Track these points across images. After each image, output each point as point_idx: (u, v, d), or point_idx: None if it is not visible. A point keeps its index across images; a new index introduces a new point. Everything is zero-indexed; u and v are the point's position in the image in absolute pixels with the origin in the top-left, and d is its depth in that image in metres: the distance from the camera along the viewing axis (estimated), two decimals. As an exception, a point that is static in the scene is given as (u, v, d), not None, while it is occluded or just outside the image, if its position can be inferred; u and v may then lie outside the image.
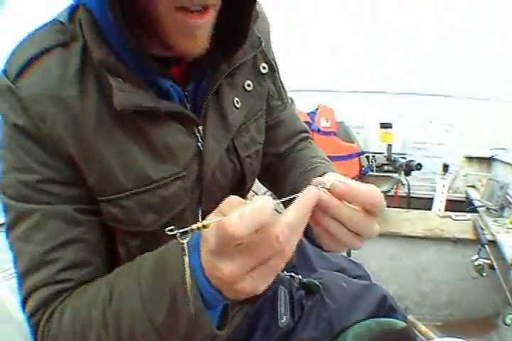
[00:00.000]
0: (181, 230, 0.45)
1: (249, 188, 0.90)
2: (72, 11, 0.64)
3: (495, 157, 3.16)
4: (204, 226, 0.45)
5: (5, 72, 0.62)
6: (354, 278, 1.07)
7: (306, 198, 0.48)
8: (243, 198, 0.84)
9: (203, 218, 0.71)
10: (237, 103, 0.78)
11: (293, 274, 0.99)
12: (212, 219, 0.46)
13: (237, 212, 0.43)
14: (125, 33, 0.58)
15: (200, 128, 0.72)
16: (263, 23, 0.84)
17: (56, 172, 0.63)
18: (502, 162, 2.99)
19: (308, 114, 3.17)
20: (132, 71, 0.62)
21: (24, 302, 0.65)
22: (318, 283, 0.95)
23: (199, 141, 0.72)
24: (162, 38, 0.61)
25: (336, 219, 0.53)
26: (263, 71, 0.84)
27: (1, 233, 1.74)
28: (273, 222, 0.44)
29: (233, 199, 0.49)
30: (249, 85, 0.81)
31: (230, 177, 0.81)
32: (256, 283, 0.47)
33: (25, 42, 0.64)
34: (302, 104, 2.75)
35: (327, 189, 0.51)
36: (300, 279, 0.98)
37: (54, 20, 0.65)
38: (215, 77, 0.72)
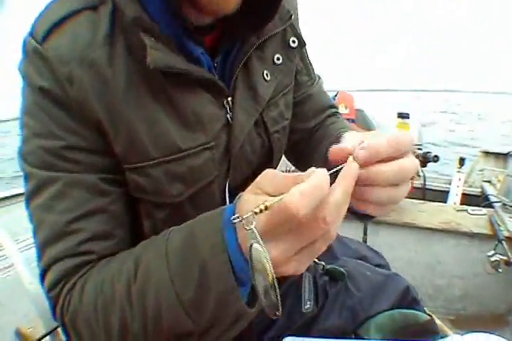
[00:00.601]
0: (244, 216, 0.43)
1: (276, 165, 0.89)
2: None
3: None
4: (266, 208, 0.42)
5: (31, 34, 0.60)
6: (375, 266, 1.07)
7: (350, 176, 0.46)
8: None
9: (230, 192, 0.76)
10: (267, 76, 0.78)
11: (316, 260, 0.97)
12: (259, 196, 0.45)
13: (297, 189, 0.41)
14: None
15: (230, 99, 0.71)
16: (292, 2, 0.84)
17: (82, 139, 0.62)
18: None
19: (327, 100, 3.14)
20: (164, 33, 0.60)
21: (43, 275, 0.63)
22: (343, 271, 0.94)
23: (228, 113, 0.71)
24: None
25: (378, 184, 0.50)
26: (292, 45, 0.82)
27: (15, 204, 1.75)
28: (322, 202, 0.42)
29: (269, 172, 0.47)
30: (278, 59, 0.80)
31: (257, 152, 0.81)
32: (299, 266, 0.46)
33: (53, 4, 0.63)
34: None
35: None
36: (323, 265, 0.96)
37: None
38: (245, 48, 0.72)
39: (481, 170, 3.21)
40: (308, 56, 0.96)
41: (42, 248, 0.63)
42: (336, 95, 3.18)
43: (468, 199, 2.97)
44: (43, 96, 0.60)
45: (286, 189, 0.43)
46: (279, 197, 0.42)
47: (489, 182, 3.04)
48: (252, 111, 0.76)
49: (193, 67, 0.63)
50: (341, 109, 3.02)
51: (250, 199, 0.46)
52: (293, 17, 0.79)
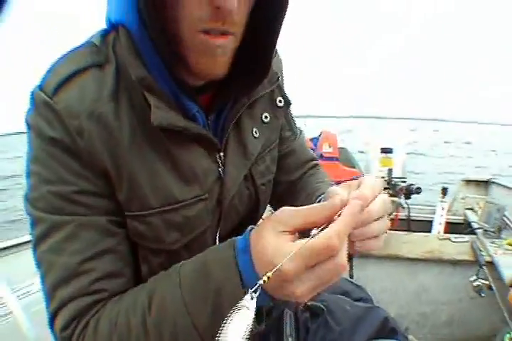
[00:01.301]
0: (257, 285, 0.48)
1: (262, 214, 0.94)
2: (105, 34, 0.68)
3: (492, 180, 3.24)
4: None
5: (41, 87, 0.63)
6: (357, 300, 1.09)
7: (352, 211, 0.51)
8: (255, 223, 0.88)
9: (220, 240, 0.80)
10: (256, 133, 0.82)
11: None
12: (270, 225, 0.52)
13: (336, 229, 0.48)
14: (164, 52, 0.62)
15: (222, 154, 0.76)
16: (278, 62, 0.90)
17: (91, 184, 0.64)
18: (499, 185, 3.07)
19: (311, 140, 3.26)
20: (165, 92, 0.64)
21: (54, 317, 0.64)
22: (322, 306, 0.97)
23: (220, 167, 0.75)
24: (185, 61, 0.64)
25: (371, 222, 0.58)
26: (279, 104, 0.88)
27: (12, 254, 1.81)
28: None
29: (287, 209, 0.53)
30: (266, 117, 0.85)
31: (245, 203, 0.85)
32: (311, 293, 0.50)
33: (62, 60, 0.66)
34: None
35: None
36: (305, 302, 0.99)
37: (88, 42, 0.67)
38: (236, 108, 0.76)
39: (463, 198, 3.31)
40: (291, 112, 1.02)
41: (52, 290, 0.63)
42: (320, 135, 3.31)
43: (452, 228, 3.05)
44: (53, 146, 0.62)
45: (312, 220, 0.51)
46: (310, 238, 0.47)
47: (471, 209, 3.13)
48: (242, 166, 0.80)
49: (191, 124, 0.67)
50: (325, 148, 3.15)
51: (271, 239, 0.51)
52: (280, 79, 0.85)
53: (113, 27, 0.67)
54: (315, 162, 1.08)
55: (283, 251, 0.49)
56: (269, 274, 0.48)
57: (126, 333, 0.59)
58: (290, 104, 0.93)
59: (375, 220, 0.59)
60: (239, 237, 0.57)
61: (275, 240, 0.50)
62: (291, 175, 1.02)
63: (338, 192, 0.59)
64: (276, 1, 0.66)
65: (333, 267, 0.49)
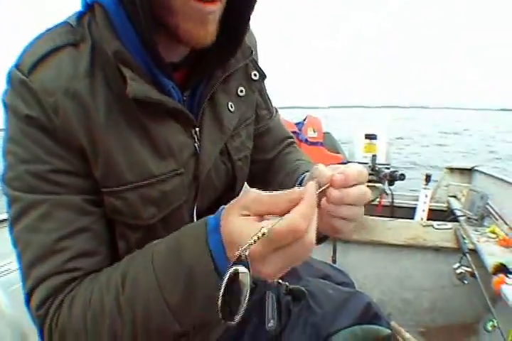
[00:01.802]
0: (243, 247, 0.48)
1: (238, 192, 0.94)
2: (80, 15, 0.68)
3: (476, 168, 3.24)
4: (263, 234, 0.47)
5: (17, 66, 0.63)
6: (339, 284, 1.09)
7: (311, 192, 0.52)
8: (232, 198, 0.88)
9: (197, 215, 0.80)
10: (231, 107, 0.83)
11: (280, 281, 1.00)
12: (249, 221, 0.51)
13: (298, 212, 0.49)
14: (141, 26, 0.61)
15: (197, 129, 0.76)
16: (251, 37, 0.90)
17: (67, 163, 0.64)
18: (482, 173, 3.07)
19: (296, 124, 3.22)
20: (141, 66, 0.65)
21: (29, 295, 0.64)
22: (303, 289, 0.97)
23: (196, 142, 0.76)
24: (173, 30, 0.64)
25: (345, 204, 0.60)
26: (254, 78, 0.89)
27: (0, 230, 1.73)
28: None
29: (252, 193, 0.54)
30: (241, 91, 0.86)
31: (222, 178, 0.86)
32: (280, 272, 0.51)
33: (38, 40, 0.66)
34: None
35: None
36: (287, 286, 0.99)
37: (63, 22, 0.68)
38: (211, 83, 0.77)
39: (446, 186, 3.31)
40: (266, 90, 1.03)
41: (28, 268, 0.64)
42: (304, 119, 3.27)
43: (435, 215, 3.06)
44: (29, 124, 0.62)
45: (280, 208, 0.51)
46: (275, 222, 0.47)
47: (455, 197, 3.14)
48: (218, 140, 0.80)
49: (167, 98, 0.67)
50: (310, 133, 3.11)
51: (237, 223, 0.52)
52: (254, 53, 0.85)
53: (88, 7, 0.67)
54: (291, 140, 1.09)
55: (247, 232, 0.50)
56: (237, 253, 0.48)
57: (100, 310, 0.60)
58: (265, 77, 0.93)
59: (351, 205, 0.60)
60: (211, 216, 0.58)
61: (240, 222, 0.52)
62: (268, 154, 1.03)
63: (323, 172, 0.62)
64: None
65: (300, 248, 0.49)
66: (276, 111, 1.09)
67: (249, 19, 0.74)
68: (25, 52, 0.65)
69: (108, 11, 0.64)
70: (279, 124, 1.08)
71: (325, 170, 0.63)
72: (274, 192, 0.53)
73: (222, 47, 0.74)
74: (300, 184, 0.85)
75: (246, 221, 0.52)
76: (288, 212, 0.50)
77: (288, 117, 3.24)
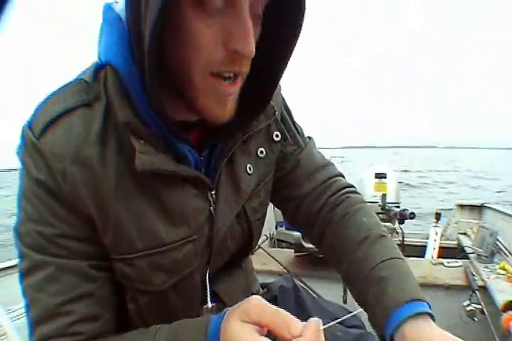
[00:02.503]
0: None
1: (255, 245, 0.92)
2: (97, 69, 0.65)
3: (485, 204, 3.26)
4: None
5: (29, 126, 0.62)
6: (350, 327, 1.06)
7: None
8: (248, 254, 0.90)
9: (210, 275, 0.79)
10: (250, 169, 0.80)
11: None
12: (246, 326, 0.52)
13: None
14: (154, 96, 0.59)
15: (213, 192, 0.73)
16: (277, 96, 0.87)
17: (73, 229, 0.63)
18: (492, 209, 3.08)
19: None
20: (153, 134, 0.63)
21: None
22: None
23: (211, 205, 0.73)
24: (191, 102, 0.62)
25: None
26: (276, 139, 0.85)
27: (6, 276, 1.80)
28: None
29: (257, 301, 0.54)
30: (262, 152, 0.82)
31: (237, 239, 0.83)
32: None
33: (51, 99, 0.65)
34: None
35: None
36: None
37: (78, 78, 0.66)
38: (230, 144, 0.73)
39: (456, 223, 3.32)
40: (296, 125, 0.95)
41: (34, 324, 0.65)
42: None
43: (446, 252, 3.06)
44: (39, 187, 0.62)
45: (275, 325, 0.51)
46: None
47: (465, 234, 3.14)
48: (235, 204, 0.77)
49: (179, 166, 0.65)
50: None
51: (236, 329, 0.52)
52: (277, 113, 0.82)
53: (104, 64, 0.65)
54: (334, 172, 0.96)
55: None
56: None
57: None
58: (287, 138, 0.90)
59: None
60: (213, 317, 0.59)
61: (239, 328, 0.52)
62: (301, 188, 0.93)
63: None
64: (281, 35, 0.65)
65: None
66: (310, 140, 0.99)
67: (276, 85, 0.72)
68: (38, 110, 0.64)
69: (121, 75, 0.62)
70: (311, 154, 0.96)
71: None
72: (279, 309, 0.53)
73: (245, 107, 0.70)
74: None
75: (245, 328, 0.52)
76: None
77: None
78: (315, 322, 0.50)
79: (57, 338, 0.64)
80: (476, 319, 2.00)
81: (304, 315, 1.06)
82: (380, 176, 3.45)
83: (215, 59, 0.57)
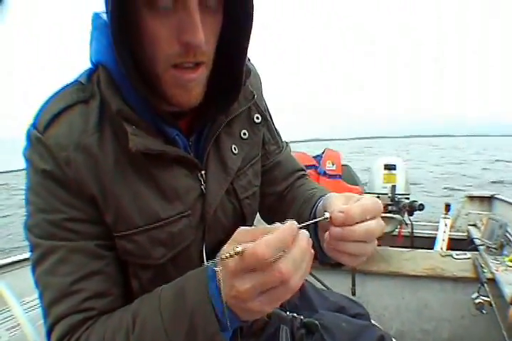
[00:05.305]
0: (216, 259, 0.54)
1: (250, 225, 0.97)
2: (90, 73, 0.75)
3: (495, 196, 3.25)
4: (236, 253, 0.51)
5: (34, 125, 0.71)
6: (353, 315, 1.11)
7: (305, 238, 0.55)
8: None
9: (206, 253, 0.84)
10: (235, 149, 0.88)
11: (295, 314, 1.04)
12: (231, 247, 0.54)
13: (264, 239, 0.51)
14: (139, 89, 0.68)
15: (203, 172, 0.81)
16: (255, 79, 0.96)
17: (80, 211, 0.70)
18: (502, 201, 3.08)
19: (315, 157, 3.27)
20: (144, 120, 0.71)
21: (50, 332, 0.71)
22: (316, 323, 1.00)
23: (202, 184, 0.81)
24: (162, 93, 0.70)
25: (350, 241, 0.62)
26: (257, 121, 0.94)
27: (20, 269, 1.86)
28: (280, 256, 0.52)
29: (242, 228, 0.57)
30: (244, 134, 0.91)
31: (230, 217, 0.90)
32: (262, 306, 0.54)
33: (52, 99, 0.73)
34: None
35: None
36: (301, 319, 1.03)
37: (75, 81, 0.75)
38: (214, 127, 0.82)
39: (466, 215, 3.32)
40: (275, 126, 1.06)
41: (48, 308, 0.70)
42: (323, 152, 3.34)
43: (456, 244, 3.06)
44: (45, 177, 0.69)
45: (256, 239, 0.53)
46: (246, 245, 0.51)
47: (474, 225, 3.15)
48: (223, 181, 0.85)
49: (169, 147, 0.73)
50: (328, 166, 3.17)
51: (226, 250, 0.55)
52: (256, 97, 0.91)
53: (96, 66, 0.75)
54: (302, 172, 1.12)
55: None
56: (210, 262, 0.56)
57: None
58: (267, 119, 0.99)
59: (355, 242, 0.62)
60: (210, 263, 0.62)
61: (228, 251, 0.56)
62: (279, 186, 1.06)
63: (334, 203, 0.67)
64: (241, 22, 0.72)
65: (282, 290, 0.52)
66: (287, 145, 1.13)
67: (243, 65, 0.78)
68: (41, 111, 0.72)
69: (110, 71, 0.71)
70: (289, 157, 1.10)
71: (335, 201, 0.67)
72: (263, 226, 0.57)
73: (224, 92, 0.80)
74: (315, 209, 0.85)
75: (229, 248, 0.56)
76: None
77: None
78: (291, 222, 0.54)
79: (71, 315, 0.69)
80: (484, 311, 2.01)
81: (307, 304, 1.14)
82: (390, 167, 3.43)
83: (172, 53, 0.65)
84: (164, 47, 0.64)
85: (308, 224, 0.58)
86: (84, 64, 0.77)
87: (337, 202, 0.66)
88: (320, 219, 0.62)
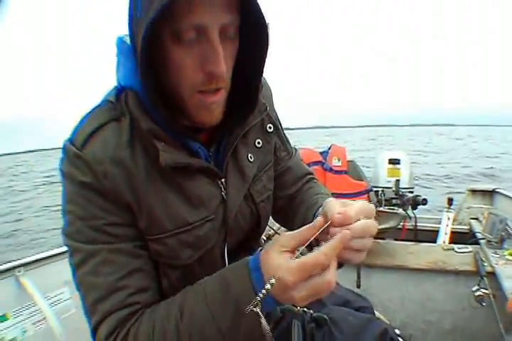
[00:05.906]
0: (267, 286, 0.63)
1: (264, 227, 1.07)
2: (118, 92, 0.80)
3: (497, 190, 3.31)
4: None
5: (71, 141, 0.76)
6: (357, 308, 1.18)
7: (342, 238, 0.63)
8: (259, 236, 1.04)
9: (228, 253, 0.93)
10: (251, 158, 0.96)
11: (305, 309, 1.10)
12: (276, 249, 0.65)
13: (323, 251, 0.61)
14: (162, 110, 0.75)
15: (223, 180, 0.89)
16: (265, 90, 1.03)
17: (117, 217, 0.77)
18: (503, 195, 3.13)
19: (321, 153, 3.32)
20: (170, 137, 0.78)
21: (96, 328, 0.76)
22: (325, 317, 1.06)
23: (223, 191, 0.88)
24: (186, 113, 0.78)
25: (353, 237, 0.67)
26: (269, 130, 1.02)
27: (45, 265, 1.95)
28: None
29: (285, 233, 0.67)
30: (259, 143, 0.99)
31: (248, 219, 0.98)
32: (304, 302, 0.63)
33: (87, 118, 0.80)
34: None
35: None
36: (311, 314, 1.07)
37: (105, 100, 0.81)
38: (232, 139, 0.89)
39: (468, 208, 3.38)
40: (285, 134, 1.15)
41: (93, 306, 0.75)
42: (329, 148, 3.40)
43: (458, 237, 3.12)
44: (84, 188, 0.74)
45: (305, 241, 0.64)
46: (310, 256, 0.61)
47: (476, 219, 3.20)
48: (241, 188, 0.92)
49: (193, 159, 0.81)
50: (334, 162, 3.22)
51: (274, 257, 0.64)
52: (268, 108, 0.98)
53: (123, 88, 0.81)
54: (311, 176, 1.19)
55: (284, 266, 0.62)
56: (273, 281, 0.62)
57: (163, 336, 0.72)
58: (278, 128, 1.08)
59: (354, 238, 0.68)
60: (251, 257, 0.71)
61: (278, 258, 0.64)
62: (289, 190, 1.14)
63: (332, 208, 0.71)
64: (256, 46, 0.77)
65: (322, 282, 0.61)
66: (296, 151, 1.21)
67: (259, 83, 0.84)
68: (77, 129, 0.78)
69: (139, 95, 0.77)
70: (298, 162, 1.19)
71: (333, 206, 0.71)
72: (301, 229, 0.66)
73: (239, 107, 0.86)
74: (315, 217, 0.89)
75: (283, 256, 0.64)
76: (312, 239, 0.64)
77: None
78: (344, 231, 0.64)
79: (118, 311, 0.75)
80: (484, 304, 2.08)
81: (317, 299, 1.18)
82: (394, 162, 3.49)
83: (196, 81, 0.72)
84: (190, 75, 0.71)
85: (315, 238, 0.66)
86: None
87: (335, 206, 0.71)
88: (324, 227, 0.68)
